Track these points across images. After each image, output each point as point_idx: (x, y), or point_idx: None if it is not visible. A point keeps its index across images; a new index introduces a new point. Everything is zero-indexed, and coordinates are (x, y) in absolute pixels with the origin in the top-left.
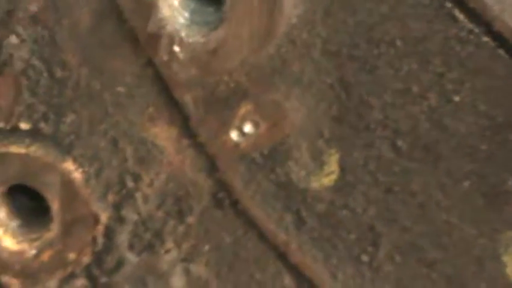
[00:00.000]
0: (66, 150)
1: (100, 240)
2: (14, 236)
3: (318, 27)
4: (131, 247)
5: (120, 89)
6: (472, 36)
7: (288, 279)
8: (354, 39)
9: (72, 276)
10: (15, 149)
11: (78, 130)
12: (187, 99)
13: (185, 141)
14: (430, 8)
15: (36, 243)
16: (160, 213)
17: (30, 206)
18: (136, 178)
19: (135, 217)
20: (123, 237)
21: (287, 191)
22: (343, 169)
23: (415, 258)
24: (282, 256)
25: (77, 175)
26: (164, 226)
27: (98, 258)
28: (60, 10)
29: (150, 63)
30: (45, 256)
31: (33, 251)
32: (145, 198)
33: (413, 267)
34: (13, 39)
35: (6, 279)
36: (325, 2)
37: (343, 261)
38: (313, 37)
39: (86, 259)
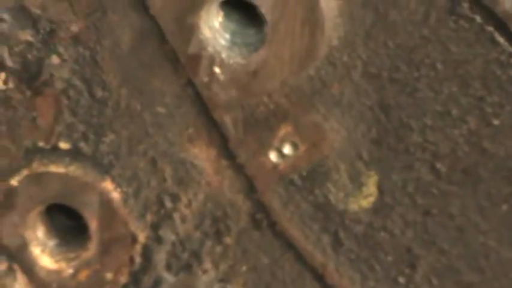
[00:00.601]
0: (105, 170)
1: (137, 260)
2: (51, 255)
3: (358, 50)
4: (168, 267)
5: (160, 109)
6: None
7: None
8: (394, 62)
9: None
10: (55, 168)
11: (118, 150)
12: (226, 120)
13: (224, 162)
14: (471, 31)
15: (74, 263)
16: (198, 234)
17: (68, 225)
18: (175, 198)
19: (172, 237)
20: (160, 257)
21: (325, 213)
22: (381, 191)
23: (452, 281)
24: (319, 278)
25: (116, 195)
26: (202, 246)
27: (135, 278)
28: (101, 31)
29: (190, 84)
30: (83, 275)
31: (71, 271)
32: (184, 219)
33: None
34: (54, 59)
35: None
36: (366, 24)
37: (380, 283)
38: (353, 59)
39: (123, 279)
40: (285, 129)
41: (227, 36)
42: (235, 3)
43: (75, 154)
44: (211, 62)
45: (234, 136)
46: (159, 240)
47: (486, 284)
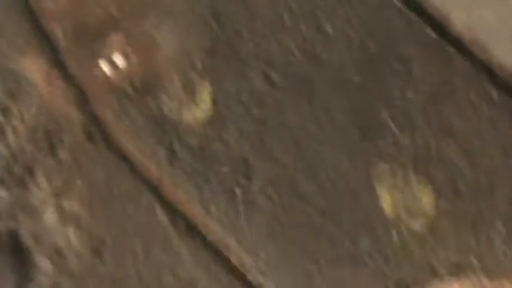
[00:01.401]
0: None
1: None
2: None
3: None
4: (2, 182)
5: None
6: None
7: (161, 214)
8: None
9: None
10: None
11: None
12: (57, 30)
13: (56, 74)
14: None
15: None
16: (31, 147)
17: None
18: (6, 111)
19: (5, 151)
20: None
21: (160, 125)
22: (215, 101)
23: (289, 192)
24: (155, 190)
25: None
26: (35, 161)
27: None
28: None
29: None
30: None
31: None
32: (16, 132)
33: (287, 201)
34: None
35: None
36: None
37: (216, 194)
38: None
39: None
40: (116, 39)
41: None
42: None
43: None
44: None
45: (64, 47)
46: None
47: (323, 195)
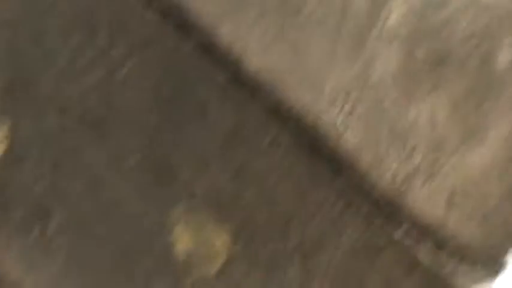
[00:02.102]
0: None
1: None
2: None
3: None
4: None
5: None
6: (136, 9)
7: None
8: (22, 8)
9: None
10: None
11: None
12: None
13: None
14: None
15: None
16: None
17: None
18: None
19: None
20: None
21: None
22: (13, 141)
23: (85, 233)
24: None
25: None
26: None
27: None
28: None
29: None
30: None
31: None
32: None
33: (83, 242)
34: None
35: None
36: None
37: (13, 236)
38: None
39: None
40: None
41: None
42: None
43: None
44: None
45: None
46: None
47: (117, 237)
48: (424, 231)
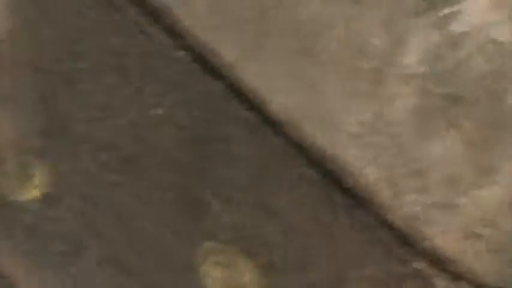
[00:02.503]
0: None
1: None
2: None
3: (24, 43)
4: None
5: None
6: (166, 51)
7: None
8: (57, 54)
9: None
10: None
11: None
12: None
13: None
14: (127, 23)
15: None
16: None
17: None
18: None
19: None
20: None
21: None
22: (50, 181)
23: (118, 268)
24: None
25: None
26: None
27: None
28: None
29: None
30: None
31: None
32: None
33: (115, 277)
34: None
35: None
36: (30, 17)
37: (53, 271)
38: (19, 52)
39: None
40: None
41: None
42: None
43: None
44: None
45: None
46: None
47: (148, 271)
48: (442, 262)
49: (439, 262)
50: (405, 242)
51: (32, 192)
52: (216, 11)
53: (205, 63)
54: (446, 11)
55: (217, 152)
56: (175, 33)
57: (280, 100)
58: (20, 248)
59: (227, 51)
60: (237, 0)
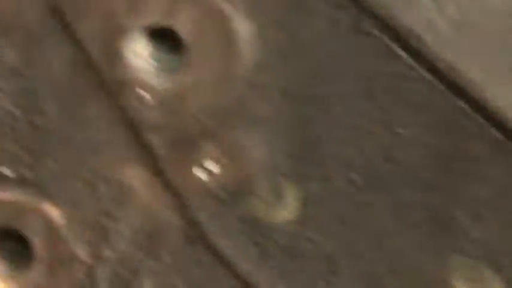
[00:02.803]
0: (47, 194)
1: (82, 278)
2: (1, 278)
3: (274, 70)
4: (112, 285)
5: (96, 134)
6: (413, 73)
7: None
8: (307, 79)
9: None
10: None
11: (58, 174)
12: (156, 141)
13: (156, 181)
14: (374, 46)
15: (23, 284)
16: (135, 251)
17: (16, 249)
18: (112, 218)
19: (113, 255)
20: (103, 275)
21: (252, 225)
22: (301, 203)
23: (372, 285)
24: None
25: (57, 217)
26: (140, 263)
27: None
28: (36, 62)
29: (121, 109)
30: None
31: None
32: (121, 237)
33: None
34: None
35: None
36: (280, 45)
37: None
38: (269, 79)
39: None
40: (209, 148)
41: (152, 61)
42: (158, 30)
43: (18, 180)
44: (140, 87)
45: (163, 156)
46: (100, 258)
47: (401, 285)
48: None
49: None
50: None
51: (284, 213)
52: (463, 34)
53: (451, 84)
54: None
55: (464, 170)
56: (422, 56)
57: None
58: (276, 268)
59: (473, 71)
60: (485, 22)
